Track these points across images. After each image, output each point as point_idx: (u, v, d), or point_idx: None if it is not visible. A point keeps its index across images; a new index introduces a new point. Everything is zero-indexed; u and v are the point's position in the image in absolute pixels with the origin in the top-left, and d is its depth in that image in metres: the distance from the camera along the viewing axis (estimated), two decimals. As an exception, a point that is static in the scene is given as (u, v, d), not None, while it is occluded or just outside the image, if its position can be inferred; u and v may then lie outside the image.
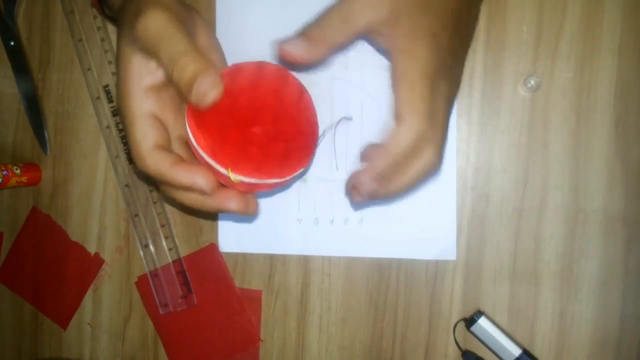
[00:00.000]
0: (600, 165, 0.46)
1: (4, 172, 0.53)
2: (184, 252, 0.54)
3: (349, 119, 0.48)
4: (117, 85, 0.35)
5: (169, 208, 0.54)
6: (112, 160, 0.55)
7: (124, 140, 0.54)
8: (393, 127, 0.34)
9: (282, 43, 0.34)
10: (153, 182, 0.37)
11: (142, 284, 0.54)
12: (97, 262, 0.56)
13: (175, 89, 0.34)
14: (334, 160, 0.50)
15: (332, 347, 0.51)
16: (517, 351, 0.46)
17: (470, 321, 0.47)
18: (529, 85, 0.46)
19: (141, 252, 0.54)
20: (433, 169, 0.35)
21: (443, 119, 0.35)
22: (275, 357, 0.52)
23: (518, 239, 0.47)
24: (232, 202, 0.35)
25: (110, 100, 0.55)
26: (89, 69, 0.55)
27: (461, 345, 0.48)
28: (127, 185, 0.54)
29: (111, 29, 0.55)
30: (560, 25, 0.46)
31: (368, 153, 0.41)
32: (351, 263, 0.50)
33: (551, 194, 0.47)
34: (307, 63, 0.34)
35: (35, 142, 0.57)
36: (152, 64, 0.34)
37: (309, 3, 0.50)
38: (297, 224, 0.51)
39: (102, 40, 0.55)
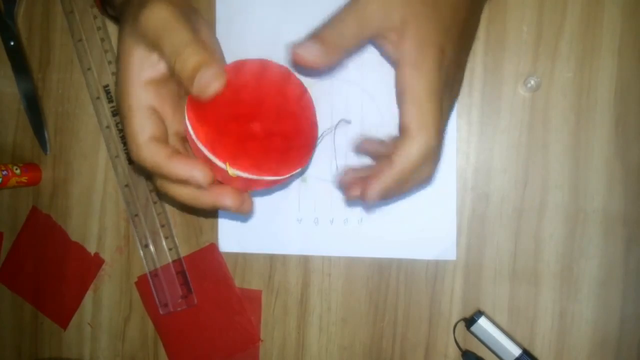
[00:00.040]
0: (600, 165, 0.46)
1: (4, 172, 0.53)
2: (184, 252, 0.54)
3: (347, 122, 0.48)
4: (117, 77, 0.35)
5: (169, 208, 0.54)
6: (112, 160, 0.55)
7: (124, 140, 0.54)
8: (400, 139, 0.34)
9: (296, 47, 0.34)
10: (149, 176, 0.37)
11: (142, 284, 0.54)
12: (97, 262, 0.56)
13: (177, 81, 0.34)
14: (334, 160, 0.50)
15: (332, 347, 0.51)
16: (517, 351, 0.46)
17: (470, 321, 0.47)
18: (529, 85, 0.46)
19: (141, 252, 0.54)
20: (427, 182, 0.36)
21: (444, 132, 0.35)
22: (275, 357, 0.52)
23: (518, 239, 0.47)
24: (227, 198, 0.35)
25: (110, 100, 0.55)
26: (89, 69, 0.55)
27: (461, 345, 0.48)
28: (127, 185, 0.54)
29: (111, 29, 0.55)
30: (560, 25, 0.46)
31: (367, 149, 0.42)
32: (351, 263, 0.50)
33: (551, 194, 0.47)
34: (321, 68, 0.34)
35: (35, 142, 0.57)
36: (154, 57, 0.34)
37: (309, 3, 0.50)
38: (297, 224, 0.51)
39: (102, 40, 0.55)
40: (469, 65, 0.48)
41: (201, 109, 0.34)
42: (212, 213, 0.53)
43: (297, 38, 0.34)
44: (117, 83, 0.35)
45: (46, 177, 0.57)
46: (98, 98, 0.55)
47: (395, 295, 0.50)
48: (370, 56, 0.48)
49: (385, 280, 0.50)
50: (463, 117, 0.48)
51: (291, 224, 0.51)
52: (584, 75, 0.46)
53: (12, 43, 0.57)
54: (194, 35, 0.33)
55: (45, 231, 0.57)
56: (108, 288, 0.56)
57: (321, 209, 0.50)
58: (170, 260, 0.53)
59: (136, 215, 0.54)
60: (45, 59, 0.57)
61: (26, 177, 0.55)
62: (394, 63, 0.35)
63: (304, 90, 0.37)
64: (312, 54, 0.33)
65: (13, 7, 0.56)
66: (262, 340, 0.53)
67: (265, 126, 0.35)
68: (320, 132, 0.38)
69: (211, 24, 0.51)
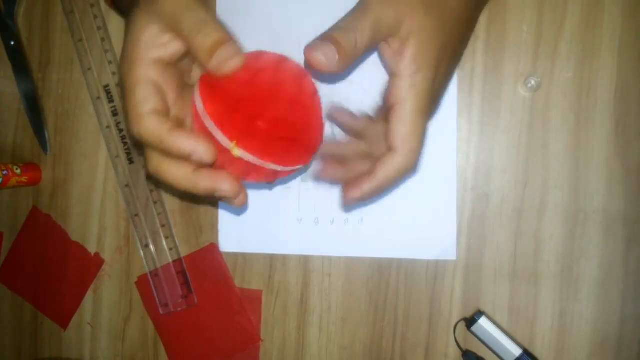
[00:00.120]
0: (600, 165, 0.46)
1: (4, 172, 0.53)
2: (184, 252, 0.54)
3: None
4: (123, 51, 0.34)
5: (169, 208, 0.54)
6: (112, 160, 0.55)
7: (124, 140, 0.54)
8: (385, 154, 0.35)
9: (311, 50, 0.33)
10: (143, 152, 0.36)
11: (142, 283, 0.54)
12: (97, 262, 0.56)
13: (194, 56, 0.33)
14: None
15: (332, 347, 0.51)
16: (517, 351, 0.46)
17: (470, 321, 0.47)
18: (529, 85, 0.46)
19: (141, 252, 0.54)
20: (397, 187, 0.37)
21: (424, 148, 0.36)
22: (275, 357, 0.52)
23: (518, 239, 0.47)
24: (225, 183, 0.34)
25: (110, 100, 0.55)
26: (89, 69, 0.55)
27: (461, 345, 0.48)
28: (127, 185, 0.54)
29: (111, 29, 0.55)
30: (560, 25, 0.46)
31: (337, 119, 0.43)
32: (351, 263, 0.50)
33: (551, 194, 0.47)
34: (335, 72, 0.33)
35: (35, 142, 0.57)
36: (165, 38, 0.33)
37: (309, 3, 0.50)
38: (297, 224, 0.51)
39: (102, 40, 0.55)
40: (469, 65, 0.48)
41: (215, 85, 0.33)
42: (210, 202, 0.53)
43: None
44: (122, 57, 0.34)
45: (46, 177, 0.57)
46: (98, 98, 0.55)
47: (396, 295, 0.50)
48: (370, 56, 0.48)
49: (385, 280, 0.50)
50: (463, 116, 0.48)
51: (291, 224, 0.51)
52: (584, 75, 0.46)
53: (12, 43, 0.57)
54: (214, 16, 0.33)
55: (45, 231, 0.57)
56: (108, 288, 0.56)
57: (321, 209, 0.50)
58: (170, 260, 0.53)
59: (136, 215, 0.54)
60: (46, 59, 0.57)
61: (26, 177, 0.55)
62: (390, 70, 0.35)
63: (316, 92, 0.37)
64: (328, 58, 0.32)
65: (13, 7, 0.56)
66: (262, 340, 0.53)
67: (277, 112, 0.34)
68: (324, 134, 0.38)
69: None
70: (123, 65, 0.34)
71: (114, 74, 0.55)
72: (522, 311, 0.47)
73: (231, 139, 0.33)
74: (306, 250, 0.51)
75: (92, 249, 0.56)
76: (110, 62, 0.54)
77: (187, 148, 0.32)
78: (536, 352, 0.47)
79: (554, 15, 0.46)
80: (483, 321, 0.46)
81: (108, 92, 0.55)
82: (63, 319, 0.57)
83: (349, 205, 0.38)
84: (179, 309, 0.53)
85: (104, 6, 0.55)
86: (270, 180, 0.36)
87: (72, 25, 0.55)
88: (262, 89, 0.34)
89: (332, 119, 0.43)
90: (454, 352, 0.49)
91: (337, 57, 0.32)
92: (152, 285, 0.54)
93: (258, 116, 0.34)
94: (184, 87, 0.36)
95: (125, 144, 0.54)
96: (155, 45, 0.33)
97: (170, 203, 0.54)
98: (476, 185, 0.48)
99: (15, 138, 0.58)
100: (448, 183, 0.48)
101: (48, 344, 0.57)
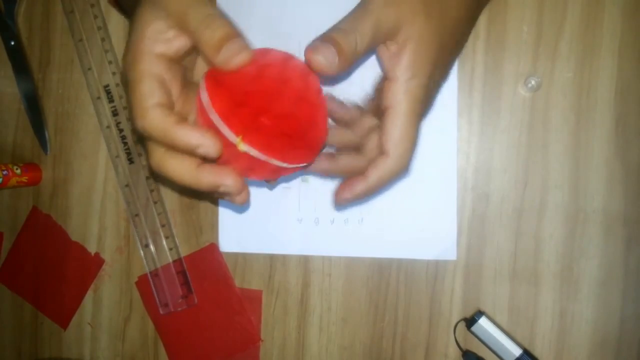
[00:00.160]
0: (600, 165, 0.46)
1: (5, 172, 0.53)
2: (184, 252, 0.54)
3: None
4: (127, 46, 0.34)
5: (169, 208, 0.54)
6: (112, 160, 0.55)
7: (124, 140, 0.54)
8: (377, 157, 0.36)
9: (312, 51, 0.33)
10: (145, 147, 0.35)
11: (142, 283, 0.54)
12: (97, 262, 0.56)
13: (201, 51, 0.33)
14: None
15: (332, 347, 0.51)
16: (517, 351, 0.46)
17: (470, 321, 0.47)
18: (529, 85, 0.46)
19: (141, 252, 0.54)
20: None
21: (415, 152, 0.37)
22: (275, 357, 0.52)
23: (518, 239, 0.47)
24: (228, 178, 0.34)
25: (110, 100, 0.55)
26: (89, 69, 0.55)
27: (461, 345, 0.48)
28: (127, 185, 0.54)
29: (111, 29, 0.55)
30: (560, 25, 0.46)
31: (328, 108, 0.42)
32: (351, 263, 0.50)
33: (551, 194, 0.47)
34: (336, 74, 0.33)
35: (35, 142, 0.57)
36: (170, 34, 0.33)
37: (309, 3, 0.50)
38: (297, 224, 0.51)
39: (103, 40, 0.55)
40: (469, 65, 0.48)
41: (222, 79, 0.33)
42: (210, 199, 0.53)
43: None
44: (126, 52, 0.34)
45: (46, 177, 0.57)
46: (98, 98, 0.55)
47: (396, 295, 0.50)
48: (369, 56, 0.48)
49: (385, 280, 0.50)
50: (463, 116, 0.48)
51: (291, 224, 0.51)
52: (584, 75, 0.46)
53: (12, 43, 0.57)
54: (220, 12, 0.33)
55: (45, 231, 0.57)
56: (108, 288, 0.56)
57: (321, 209, 0.50)
58: (170, 260, 0.53)
59: (136, 215, 0.54)
60: (46, 59, 0.57)
61: (26, 177, 0.55)
62: (385, 72, 0.35)
63: (321, 89, 0.37)
64: (328, 60, 0.32)
65: (13, 7, 0.56)
66: (262, 340, 0.53)
67: (283, 107, 0.34)
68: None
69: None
70: (127, 60, 0.34)
71: (114, 74, 0.55)
72: (522, 311, 0.47)
73: (237, 133, 0.32)
74: (306, 250, 0.51)
75: (92, 249, 0.56)
76: (110, 62, 0.54)
77: (193, 141, 0.32)
78: (536, 352, 0.47)
79: (554, 15, 0.46)
80: (483, 321, 0.46)
81: (108, 92, 0.55)
82: (63, 319, 0.57)
83: (340, 205, 0.39)
84: (179, 309, 0.53)
85: (104, 6, 0.55)
86: (273, 177, 0.36)
87: (72, 25, 0.55)
88: (269, 84, 0.34)
89: None
90: (454, 352, 0.49)
91: (337, 59, 0.32)
92: (152, 285, 0.54)
93: (264, 112, 0.34)
94: (186, 84, 0.36)
95: (125, 144, 0.54)
96: (160, 40, 0.33)
97: (170, 203, 0.54)
98: (476, 185, 0.48)
99: (15, 138, 0.58)
100: (448, 183, 0.48)
101: (48, 344, 0.57)
